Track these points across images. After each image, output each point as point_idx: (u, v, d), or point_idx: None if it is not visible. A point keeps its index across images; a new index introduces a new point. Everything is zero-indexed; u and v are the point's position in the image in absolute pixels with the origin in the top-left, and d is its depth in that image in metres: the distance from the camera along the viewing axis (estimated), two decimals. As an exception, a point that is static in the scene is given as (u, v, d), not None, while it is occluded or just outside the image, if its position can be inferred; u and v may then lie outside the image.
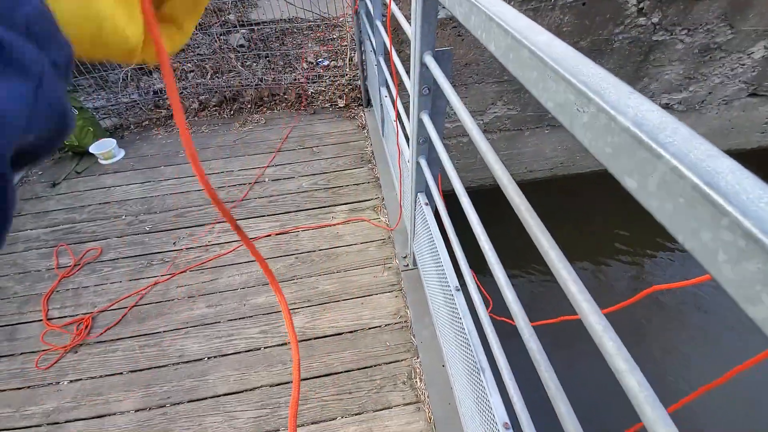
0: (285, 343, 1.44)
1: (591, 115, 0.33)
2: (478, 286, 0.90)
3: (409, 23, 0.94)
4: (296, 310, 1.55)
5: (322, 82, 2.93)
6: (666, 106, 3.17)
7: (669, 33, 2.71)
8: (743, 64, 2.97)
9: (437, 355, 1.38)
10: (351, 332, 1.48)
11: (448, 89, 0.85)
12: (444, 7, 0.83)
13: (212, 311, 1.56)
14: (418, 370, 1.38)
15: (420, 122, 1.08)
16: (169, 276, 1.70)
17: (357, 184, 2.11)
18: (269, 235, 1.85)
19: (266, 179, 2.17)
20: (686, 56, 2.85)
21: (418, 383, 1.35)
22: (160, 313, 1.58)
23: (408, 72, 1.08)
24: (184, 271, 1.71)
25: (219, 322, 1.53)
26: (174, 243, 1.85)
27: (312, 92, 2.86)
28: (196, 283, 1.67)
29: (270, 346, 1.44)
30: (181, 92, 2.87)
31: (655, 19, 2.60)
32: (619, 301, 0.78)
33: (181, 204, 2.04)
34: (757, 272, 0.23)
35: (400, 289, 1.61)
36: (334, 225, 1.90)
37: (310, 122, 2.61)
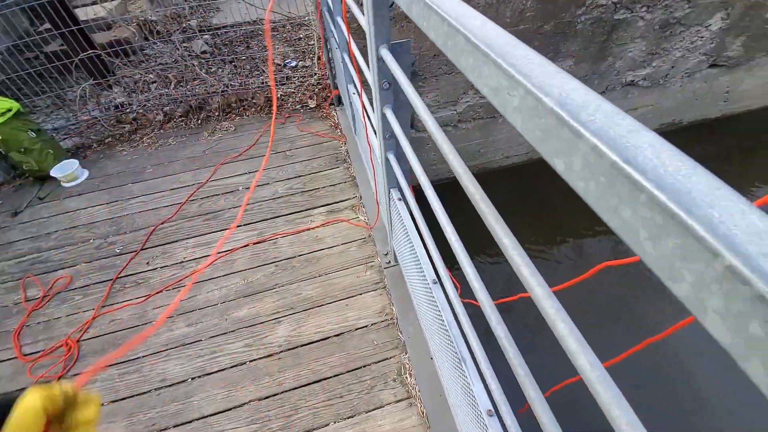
0: (271, 355, 1.41)
1: (520, 98, 0.32)
2: (447, 274, 0.90)
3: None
4: (280, 320, 1.52)
5: (291, 83, 2.88)
6: (631, 83, 3.24)
7: (629, 11, 2.76)
8: (702, 37, 3.06)
9: (424, 348, 1.37)
10: (337, 335, 1.47)
11: (405, 83, 0.84)
12: (392, -1, 0.81)
13: (193, 330, 1.51)
14: (407, 366, 1.37)
15: (384, 117, 1.06)
16: (144, 298, 1.64)
17: (333, 185, 2.08)
18: (247, 245, 1.80)
19: (240, 188, 2.12)
20: (647, 33, 2.91)
21: (408, 379, 1.34)
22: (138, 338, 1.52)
23: (369, 64, 1.06)
24: (161, 291, 1.65)
25: (200, 340, 1.48)
26: (147, 263, 1.78)
27: (281, 95, 2.81)
28: (173, 302, 1.61)
29: (255, 359, 1.41)
30: (145, 104, 2.76)
31: (614, -2, 2.64)
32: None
33: (152, 221, 1.97)
34: (676, 248, 0.22)
35: (384, 287, 1.60)
36: (313, 228, 1.87)
37: (282, 125, 2.55)
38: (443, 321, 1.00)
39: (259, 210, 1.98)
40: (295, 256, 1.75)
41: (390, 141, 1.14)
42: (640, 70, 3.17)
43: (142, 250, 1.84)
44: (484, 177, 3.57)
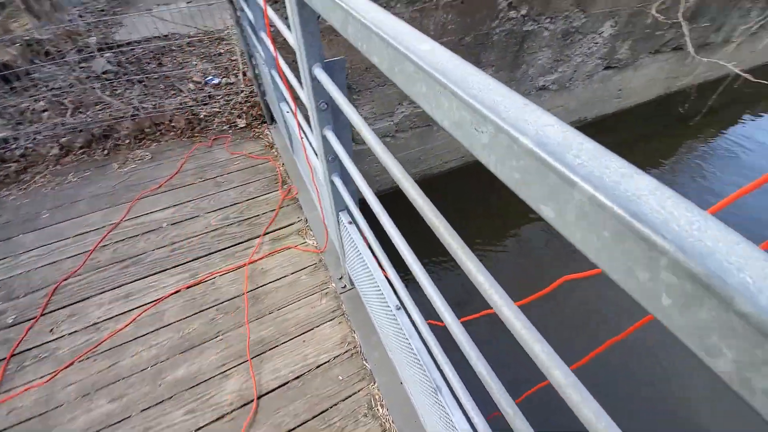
0: (221, 417, 1.23)
1: (490, 135, 0.28)
2: (410, 299, 0.85)
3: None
4: (228, 373, 1.34)
5: (215, 102, 2.65)
6: (543, 88, 3.57)
7: (536, 23, 3.04)
8: (597, 43, 3.49)
9: (393, 373, 1.31)
10: (297, 378, 1.33)
11: (343, 102, 0.78)
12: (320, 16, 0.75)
13: (118, 405, 1.26)
14: (377, 396, 1.29)
15: (325, 139, 0.99)
16: (51, 375, 1.33)
17: (274, 210, 1.94)
18: (178, 291, 1.58)
19: (164, 224, 1.86)
20: (552, 41, 3.24)
21: (380, 410, 1.26)
22: (45, 428, 1.22)
23: (302, 84, 0.98)
24: (71, 365, 1.36)
25: (130, 416, 1.23)
26: (51, 331, 1.46)
27: (205, 115, 2.57)
28: (89, 375, 1.33)
29: (202, 426, 1.21)
30: (35, 137, 2.33)
31: (523, 12, 2.89)
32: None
33: (53, 278, 1.63)
34: (711, 321, 0.18)
35: (342, 314, 1.51)
36: (256, 260, 1.70)
37: (209, 149, 2.33)
38: (412, 349, 0.95)
39: (190, 247, 1.76)
40: (238, 295, 1.57)
41: (334, 163, 1.07)
42: (549, 75, 3.51)
43: (42, 315, 1.51)
44: (425, 183, 3.65)
